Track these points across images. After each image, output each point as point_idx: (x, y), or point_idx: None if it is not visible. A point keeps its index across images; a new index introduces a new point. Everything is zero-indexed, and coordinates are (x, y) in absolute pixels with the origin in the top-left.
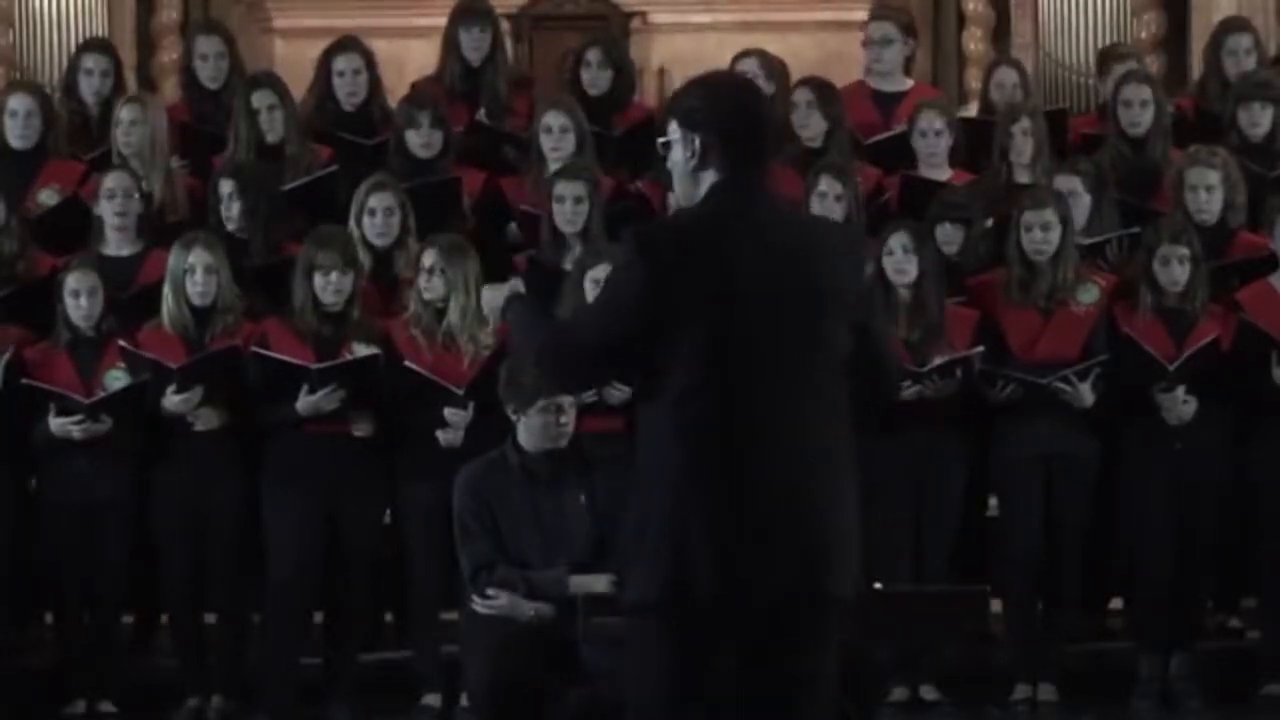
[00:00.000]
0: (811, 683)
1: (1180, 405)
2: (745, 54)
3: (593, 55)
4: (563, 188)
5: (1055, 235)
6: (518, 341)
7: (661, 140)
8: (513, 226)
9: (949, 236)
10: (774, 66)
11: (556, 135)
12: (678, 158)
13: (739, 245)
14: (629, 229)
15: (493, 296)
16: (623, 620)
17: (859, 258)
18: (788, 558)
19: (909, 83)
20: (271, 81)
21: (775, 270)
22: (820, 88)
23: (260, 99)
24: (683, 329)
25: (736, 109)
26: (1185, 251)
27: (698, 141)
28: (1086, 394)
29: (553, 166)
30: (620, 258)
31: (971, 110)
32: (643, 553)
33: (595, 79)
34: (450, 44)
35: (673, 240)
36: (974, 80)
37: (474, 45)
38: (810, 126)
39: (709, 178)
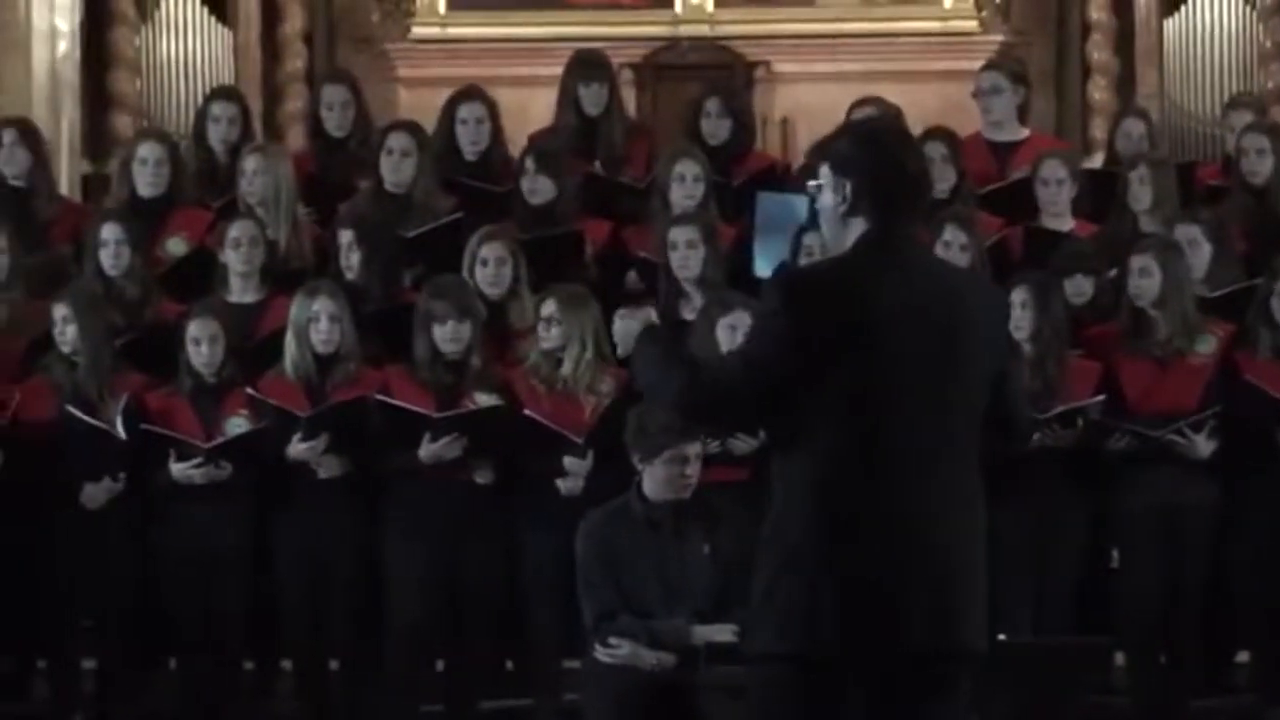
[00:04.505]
0: None
1: None
2: (863, 101)
3: (712, 105)
4: (676, 233)
5: (1155, 282)
6: (648, 378)
7: (812, 183)
8: (632, 274)
9: (1079, 288)
10: (890, 114)
11: (690, 184)
12: (827, 202)
13: (884, 297)
14: (776, 277)
15: (625, 325)
16: (745, 670)
17: (1003, 311)
18: (922, 613)
19: (1025, 131)
20: (410, 128)
21: (920, 322)
22: (951, 139)
23: (395, 142)
24: (826, 380)
25: (890, 158)
26: None
27: (849, 188)
28: (1203, 445)
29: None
30: (767, 305)
31: (1097, 161)
32: (774, 602)
33: (715, 128)
34: (567, 96)
35: (819, 290)
36: (1099, 130)
37: (593, 101)
38: (944, 179)
39: (858, 225)
